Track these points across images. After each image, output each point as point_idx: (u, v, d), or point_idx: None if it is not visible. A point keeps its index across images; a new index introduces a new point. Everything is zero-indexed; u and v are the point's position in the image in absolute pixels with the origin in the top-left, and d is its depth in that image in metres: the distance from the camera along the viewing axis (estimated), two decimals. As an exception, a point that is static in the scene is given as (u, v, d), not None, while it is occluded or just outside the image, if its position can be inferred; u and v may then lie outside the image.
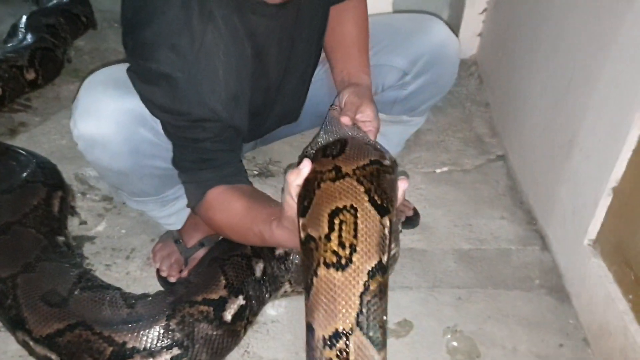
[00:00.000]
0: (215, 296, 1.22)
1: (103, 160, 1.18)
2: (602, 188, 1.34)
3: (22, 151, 1.63)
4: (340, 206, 0.86)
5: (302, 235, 0.90)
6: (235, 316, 1.24)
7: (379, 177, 0.91)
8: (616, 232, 1.33)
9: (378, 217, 0.87)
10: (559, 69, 1.60)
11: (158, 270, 1.44)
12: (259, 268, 1.33)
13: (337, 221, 0.86)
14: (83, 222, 1.61)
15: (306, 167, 0.92)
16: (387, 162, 0.95)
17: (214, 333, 1.21)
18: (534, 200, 1.74)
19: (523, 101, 1.85)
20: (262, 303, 1.35)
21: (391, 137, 1.55)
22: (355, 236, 0.84)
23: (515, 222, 1.71)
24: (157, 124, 1.15)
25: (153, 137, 1.17)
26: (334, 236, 0.85)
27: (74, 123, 1.15)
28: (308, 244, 0.88)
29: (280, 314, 1.39)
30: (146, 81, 1.07)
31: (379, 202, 0.87)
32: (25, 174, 1.50)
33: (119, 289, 1.30)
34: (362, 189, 0.88)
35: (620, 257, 1.30)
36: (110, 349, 1.13)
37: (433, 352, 1.32)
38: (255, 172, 1.83)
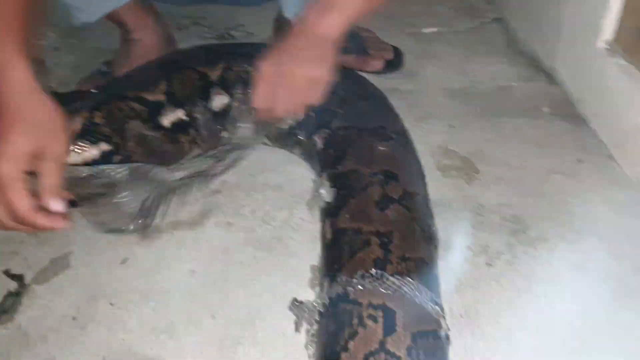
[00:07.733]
0: (151, 98, 1.01)
1: None
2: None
3: None
4: None
5: None
6: (176, 126, 1.03)
7: None
8: (636, 19, 1.08)
9: None
10: None
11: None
12: (218, 99, 1.09)
13: None
14: None
15: None
16: None
17: (150, 134, 1.01)
18: (537, 44, 1.48)
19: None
20: (216, 137, 1.11)
21: None
22: None
23: (517, 65, 1.47)
24: None
25: None
26: None
27: None
28: None
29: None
30: None
31: None
32: None
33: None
34: None
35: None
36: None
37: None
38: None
